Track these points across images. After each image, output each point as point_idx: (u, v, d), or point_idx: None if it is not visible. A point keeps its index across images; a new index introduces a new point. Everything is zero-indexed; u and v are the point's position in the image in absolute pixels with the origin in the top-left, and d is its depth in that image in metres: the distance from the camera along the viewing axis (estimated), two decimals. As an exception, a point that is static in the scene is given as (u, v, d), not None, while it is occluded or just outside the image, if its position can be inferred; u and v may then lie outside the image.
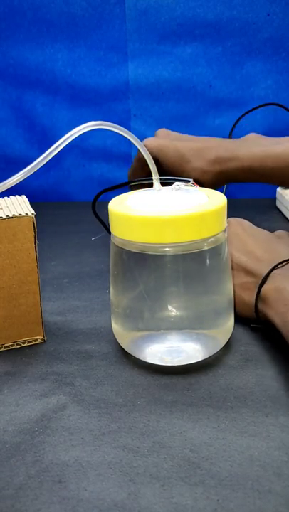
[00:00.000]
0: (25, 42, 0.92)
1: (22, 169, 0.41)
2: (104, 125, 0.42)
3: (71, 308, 0.56)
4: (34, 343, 0.49)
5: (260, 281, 0.46)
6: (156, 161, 0.58)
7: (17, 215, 0.44)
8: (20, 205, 0.46)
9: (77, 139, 0.42)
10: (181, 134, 0.71)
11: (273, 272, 0.46)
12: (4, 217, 0.44)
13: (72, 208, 0.95)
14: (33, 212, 0.45)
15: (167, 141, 0.66)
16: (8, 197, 0.49)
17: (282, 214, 0.86)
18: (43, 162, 0.42)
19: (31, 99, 0.95)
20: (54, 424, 0.38)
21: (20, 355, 0.47)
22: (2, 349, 0.48)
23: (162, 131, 0.71)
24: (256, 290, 0.46)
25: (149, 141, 0.67)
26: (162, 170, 0.63)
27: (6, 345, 0.48)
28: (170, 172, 0.65)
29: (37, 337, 0.49)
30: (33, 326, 0.48)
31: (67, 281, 0.63)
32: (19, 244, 0.45)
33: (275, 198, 0.92)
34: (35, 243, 0.45)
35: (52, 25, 0.90)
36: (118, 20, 0.89)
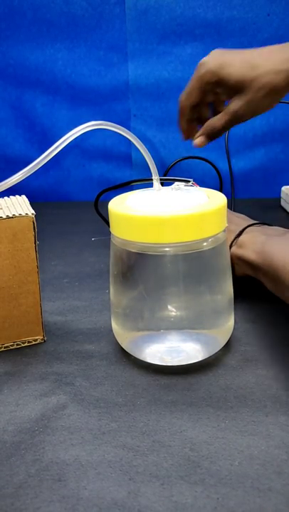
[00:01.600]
0: (25, 42, 0.92)
1: (22, 169, 0.41)
2: (105, 125, 0.42)
3: (71, 308, 0.56)
4: (34, 343, 0.49)
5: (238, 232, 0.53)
6: (218, 80, 0.55)
7: (17, 215, 0.44)
8: (20, 205, 0.47)
9: (77, 139, 0.42)
10: (235, 49, 0.63)
11: (251, 227, 0.54)
12: (4, 217, 0.44)
13: (72, 207, 0.95)
14: (33, 212, 0.45)
15: (226, 53, 0.60)
16: (8, 197, 0.49)
17: (288, 213, 0.86)
18: (43, 162, 0.42)
19: (31, 99, 0.95)
20: (54, 423, 0.38)
21: (20, 355, 0.47)
22: (2, 349, 0.48)
23: (217, 50, 0.62)
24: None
25: (208, 58, 0.59)
26: (228, 86, 0.56)
27: (6, 345, 0.48)
28: (237, 85, 0.57)
29: (37, 337, 0.49)
30: (33, 326, 0.48)
31: (67, 281, 0.63)
32: (19, 245, 0.45)
33: (279, 198, 0.92)
34: (35, 243, 0.46)
35: (52, 25, 0.90)
36: (118, 20, 0.89)
